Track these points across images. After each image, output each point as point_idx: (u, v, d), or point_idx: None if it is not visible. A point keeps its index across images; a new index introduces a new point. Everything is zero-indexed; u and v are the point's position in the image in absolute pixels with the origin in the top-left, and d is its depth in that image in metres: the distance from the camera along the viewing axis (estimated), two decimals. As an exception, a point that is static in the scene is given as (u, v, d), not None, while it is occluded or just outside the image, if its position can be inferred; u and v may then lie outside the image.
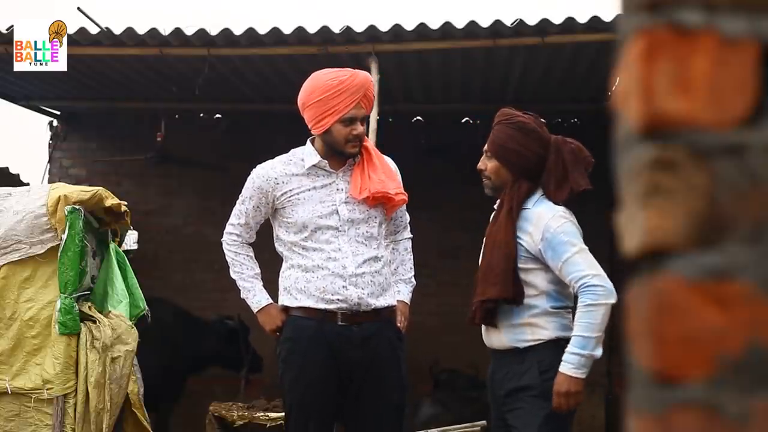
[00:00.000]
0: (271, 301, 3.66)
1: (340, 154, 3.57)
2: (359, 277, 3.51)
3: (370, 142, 3.65)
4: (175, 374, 7.04)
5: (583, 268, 3.15)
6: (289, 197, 3.56)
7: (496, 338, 3.34)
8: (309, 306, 3.52)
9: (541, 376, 3.19)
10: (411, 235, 3.86)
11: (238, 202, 3.69)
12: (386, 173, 3.59)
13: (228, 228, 3.72)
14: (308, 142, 3.64)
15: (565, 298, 3.30)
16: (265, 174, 3.60)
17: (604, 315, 3.12)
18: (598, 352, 3.14)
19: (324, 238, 3.52)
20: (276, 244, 3.68)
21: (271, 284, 3.72)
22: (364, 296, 3.50)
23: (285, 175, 3.58)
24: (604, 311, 3.11)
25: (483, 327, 3.41)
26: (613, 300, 3.14)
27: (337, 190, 3.57)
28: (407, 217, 3.84)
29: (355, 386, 3.55)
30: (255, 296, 3.65)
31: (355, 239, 3.54)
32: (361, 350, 3.52)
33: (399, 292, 3.72)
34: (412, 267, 3.85)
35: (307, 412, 3.54)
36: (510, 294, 3.23)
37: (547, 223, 3.21)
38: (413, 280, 3.84)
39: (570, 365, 3.12)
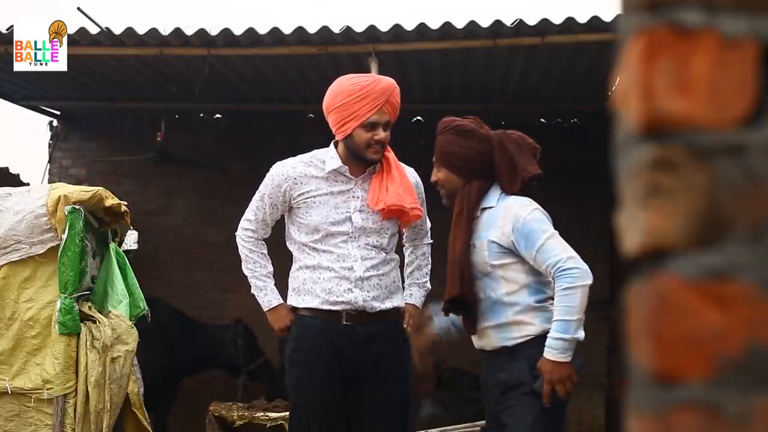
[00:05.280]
0: (281, 301, 3.68)
1: (361, 160, 3.56)
2: (366, 281, 3.53)
3: (392, 153, 3.65)
4: (172, 374, 7.04)
5: (557, 252, 3.15)
6: (305, 199, 3.57)
7: (485, 340, 3.35)
8: (314, 306, 3.54)
9: (532, 373, 3.18)
10: (431, 241, 3.88)
11: (255, 198, 3.69)
12: (404, 186, 3.58)
13: (243, 223, 3.72)
14: (331, 145, 3.64)
15: (546, 289, 3.28)
16: (285, 173, 3.60)
17: (582, 297, 3.11)
18: (580, 334, 3.12)
19: (334, 242, 3.54)
20: (287, 242, 3.69)
21: (283, 278, 3.73)
22: (368, 300, 3.53)
23: (305, 176, 3.59)
24: (581, 293, 3.10)
25: None
26: (589, 281, 3.13)
27: (354, 197, 3.58)
28: (428, 224, 3.85)
29: (360, 385, 3.56)
30: (266, 296, 3.67)
31: (364, 246, 3.56)
32: (365, 349, 3.54)
33: (411, 295, 3.75)
34: (429, 272, 3.86)
35: (310, 411, 3.55)
36: (459, 292, 3.29)
37: (516, 213, 3.24)
38: (428, 284, 3.85)
39: (554, 351, 3.12)
